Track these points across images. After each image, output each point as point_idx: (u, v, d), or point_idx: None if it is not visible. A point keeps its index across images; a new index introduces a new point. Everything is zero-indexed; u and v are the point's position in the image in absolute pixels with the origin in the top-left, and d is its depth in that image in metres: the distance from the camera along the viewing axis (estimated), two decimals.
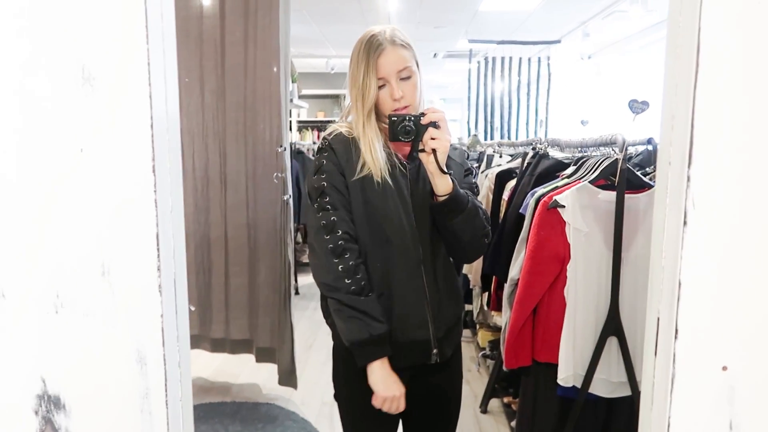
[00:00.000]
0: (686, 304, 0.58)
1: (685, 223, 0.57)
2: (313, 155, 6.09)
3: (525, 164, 2.48)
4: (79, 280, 0.61)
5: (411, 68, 1.33)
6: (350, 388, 1.45)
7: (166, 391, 0.63)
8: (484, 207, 1.44)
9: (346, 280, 1.28)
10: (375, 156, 1.32)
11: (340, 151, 1.33)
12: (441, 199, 1.32)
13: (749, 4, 0.54)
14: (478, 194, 1.49)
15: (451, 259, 1.47)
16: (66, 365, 0.62)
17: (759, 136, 0.55)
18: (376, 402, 1.32)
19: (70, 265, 0.61)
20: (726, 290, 0.58)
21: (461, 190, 1.35)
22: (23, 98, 0.58)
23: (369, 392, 1.33)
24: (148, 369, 0.62)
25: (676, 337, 0.59)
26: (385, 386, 1.30)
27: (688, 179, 0.56)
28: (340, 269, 1.29)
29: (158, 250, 0.60)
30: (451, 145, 1.35)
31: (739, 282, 0.57)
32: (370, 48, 1.31)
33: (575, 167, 2.05)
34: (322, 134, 1.40)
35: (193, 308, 3.16)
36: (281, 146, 2.91)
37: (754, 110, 0.55)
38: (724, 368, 0.59)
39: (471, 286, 3.29)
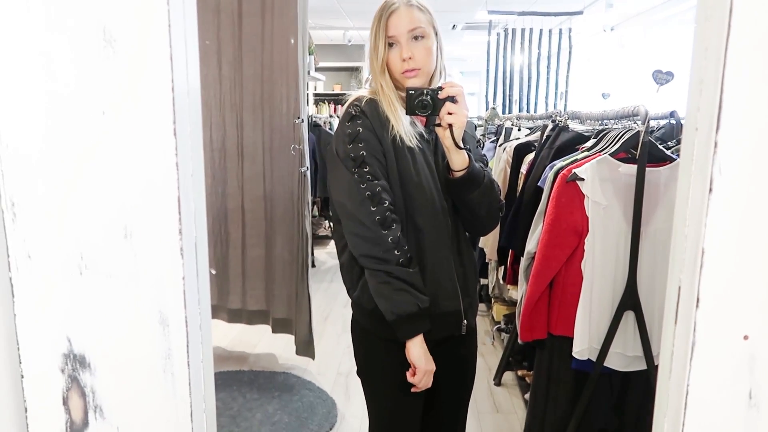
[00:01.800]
0: (708, 272, 0.58)
1: (710, 190, 0.56)
2: (330, 129, 6.07)
3: (544, 137, 2.45)
4: (103, 242, 0.62)
5: (424, 29, 1.30)
6: (375, 363, 1.44)
7: (188, 352, 0.64)
8: (495, 179, 1.42)
9: (396, 252, 1.25)
10: (398, 117, 1.29)
11: (374, 116, 1.30)
12: (458, 174, 1.30)
13: None
14: (487, 165, 1.45)
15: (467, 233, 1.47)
16: (90, 326, 0.64)
17: None
18: (416, 377, 1.30)
19: (94, 228, 0.62)
20: (749, 259, 0.57)
21: (476, 165, 1.33)
22: (48, 61, 0.58)
23: (394, 367, 1.34)
24: (171, 330, 0.63)
25: (697, 306, 0.58)
26: (426, 360, 1.29)
27: (716, 145, 0.55)
28: (389, 241, 1.25)
29: (180, 213, 0.60)
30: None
31: (764, 251, 0.57)
32: (384, 8, 1.30)
33: (595, 140, 2.02)
34: (348, 100, 1.36)
35: (214, 272, 3.21)
36: (299, 118, 2.90)
37: None
38: (746, 337, 0.59)
39: (487, 260, 3.29)
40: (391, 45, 1.30)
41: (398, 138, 1.29)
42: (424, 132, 1.35)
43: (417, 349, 1.29)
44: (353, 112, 1.31)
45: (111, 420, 0.66)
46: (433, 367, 1.31)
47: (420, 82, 1.33)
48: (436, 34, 1.34)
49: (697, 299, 0.58)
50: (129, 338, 0.64)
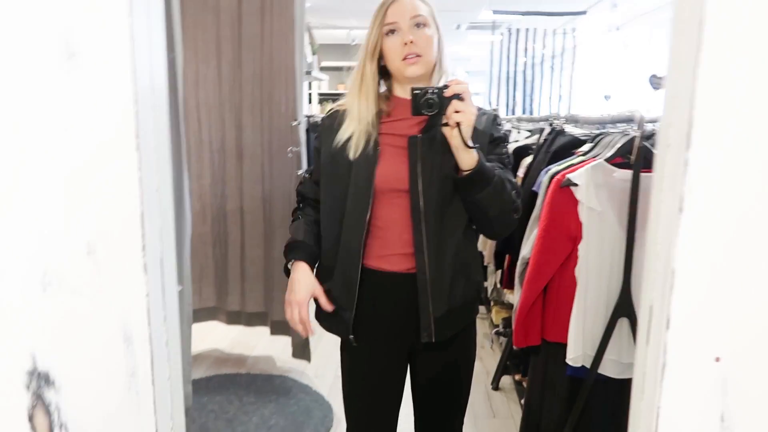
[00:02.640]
0: (679, 293, 0.56)
1: (681, 209, 0.55)
2: None
3: (541, 140, 2.44)
4: (66, 258, 0.61)
5: (426, 18, 1.30)
6: (343, 365, 1.52)
7: (152, 370, 0.63)
8: (516, 183, 1.37)
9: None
10: (362, 117, 1.33)
11: (326, 129, 1.42)
12: (466, 173, 1.26)
13: None
14: (510, 164, 1.41)
15: (478, 235, 1.48)
16: (55, 343, 0.63)
17: (762, 121, 0.52)
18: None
19: (57, 244, 0.61)
20: (721, 280, 0.56)
21: (487, 164, 1.28)
22: (14, 76, 0.57)
23: (347, 364, 1.48)
24: (135, 348, 0.62)
25: (668, 327, 0.57)
26: (289, 290, 1.39)
27: (686, 163, 0.54)
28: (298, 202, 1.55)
29: (143, 229, 0.60)
30: (480, 111, 1.34)
31: (735, 272, 0.55)
32: (385, 0, 1.31)
33: (592, 144, 2.00)
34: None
35: (181, 287, 3.18)
36: (296, 120, 2.89)
37: (758, 93, 0.52)
38: (717, 359, 0.57)
39: (485, 264, 3.28)
40: (390, 33, 1.30)
41: (355, 144, 1.33)
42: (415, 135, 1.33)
43: (292, 275, 1.39)
44: (322, 120, 1.46)
45: None
46: (296, 297, 1.37)
47: (420, 72, 1.32)
48: (437, 29, 1.34)
49: (668, 320, 0.57)
50: (93, 356, 0.63)
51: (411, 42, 1.28)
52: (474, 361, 1.54)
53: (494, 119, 1.41)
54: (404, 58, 1.30)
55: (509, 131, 3.33)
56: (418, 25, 1.29)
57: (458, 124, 1.22)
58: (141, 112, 0.58)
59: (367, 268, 1.36)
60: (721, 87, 0.52)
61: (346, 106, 1.39)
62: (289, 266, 1.41)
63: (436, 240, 1.33)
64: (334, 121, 1.39)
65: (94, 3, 0.57)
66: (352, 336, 1.39)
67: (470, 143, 1.24)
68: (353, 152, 1.34)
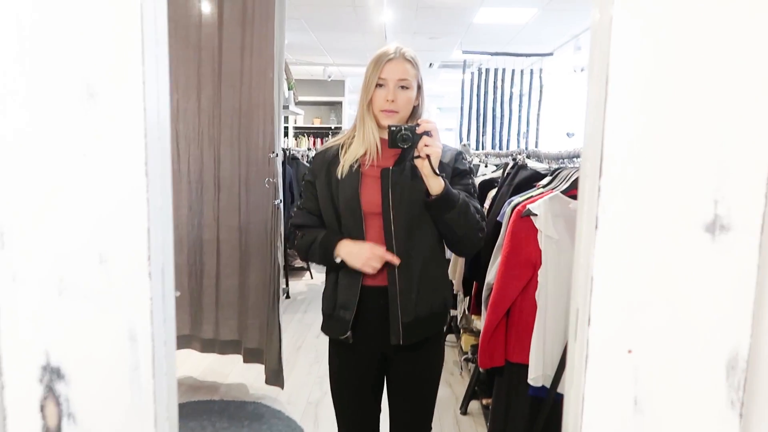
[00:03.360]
0: (597, 296, 0.68)
1: (596, 227, 0.67)
2: (308, 161, 6.23)
3: (505, 174, 2.59)
4: (80, 267, 0.71)
5: (410, 82, 1.55)
6: (329, 364, 1.73)
7: (153, 365, 0.72)
8: (480, 208, 1.59)
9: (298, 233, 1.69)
10: (373, 141, 1.56)
11: (318, 163, 1.65)
12: (434, 197, 1.48)
13: (654, 39, 0.65)
14: (475, 194, 1.62)
15: (441, 260, 1.65)
16: (67, 341, 0.72)
17: (654, 156, 0.66)
18: (365, 266, 1.52)
19: (72, 254, 0.71)
20: (630, 285, 0.68)
21: (453, 190, 1.50)
22: (33, 110, 0.68)
23: (336, 363, 1.69)
24: (139, 345, 0.72)
25: (589, 324, 0.69)
26: (355, 255, 1.53)
27: (599, 189, 0.67)
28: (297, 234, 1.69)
29: (149, 241, 0.70)
30: (444, 147, 1.57)
31: (641, 278, 0.68)
32: (382, 55, 1.55)
33: (551, 178, 2.15)
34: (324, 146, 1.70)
35: (179, 293, 3.25)
36: (273, 152, 3.00)
37: (652, 134, 0.66)
38: (630, 351, 0.69)
39: (455, 292, 3.39)
40: (380, 85, 1.54)
41: (344, 167, 1.56)
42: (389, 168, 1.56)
43: (343, 251, 1.54)
44: (313, 159, 1.70)
45: (82, 426, 0.74)
46: (370, 252, 1.51)
47: (394, 122, 1.54)
48: (419, 87, 1.58)
49: (589, 319, 0.69)
50: (101, 352, 0.72)
51: (392, 101, 1.52)
52: (441, 368, 1.71)
53: (458, 154, 1.64)
54: (383, 110, 1.54)
55: (478, 165, 3.49)
56: (402, 87, 1.53)
57: (428, 156, 1.44)
58: (149, 144, 0.69)
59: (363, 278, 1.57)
60: (621, 131, 0.66)
61: (345, 139, 1.63)
62: (336, 259, 1.56)
63: (405, 257, 1.54)
64: (330, 154, 1.62)
65: (110, 52, 0.68)
66: (349, 333, 1.58)
67: (438, 171, 1.46)
68: (345, 173, 1.57)
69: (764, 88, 0.64)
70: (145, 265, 0.70)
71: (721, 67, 0.64)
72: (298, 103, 6.48)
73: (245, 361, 3.25)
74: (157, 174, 0.71)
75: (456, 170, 1.59)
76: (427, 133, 1.46)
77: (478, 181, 3.05)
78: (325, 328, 1.68)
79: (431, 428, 1.82)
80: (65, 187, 0.69)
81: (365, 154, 1.57)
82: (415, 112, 1.60)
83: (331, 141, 1.68)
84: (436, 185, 1.47)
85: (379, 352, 1.64)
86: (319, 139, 9.64)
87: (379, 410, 1.76)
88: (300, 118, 9.15)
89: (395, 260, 1.52)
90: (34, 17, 0.67)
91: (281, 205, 3.05)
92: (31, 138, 0.68)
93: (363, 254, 1.52)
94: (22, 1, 0.67)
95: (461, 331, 3.66)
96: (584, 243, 0.70)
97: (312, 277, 6.29)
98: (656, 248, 0.67)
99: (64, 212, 0.70)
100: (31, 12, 0.67)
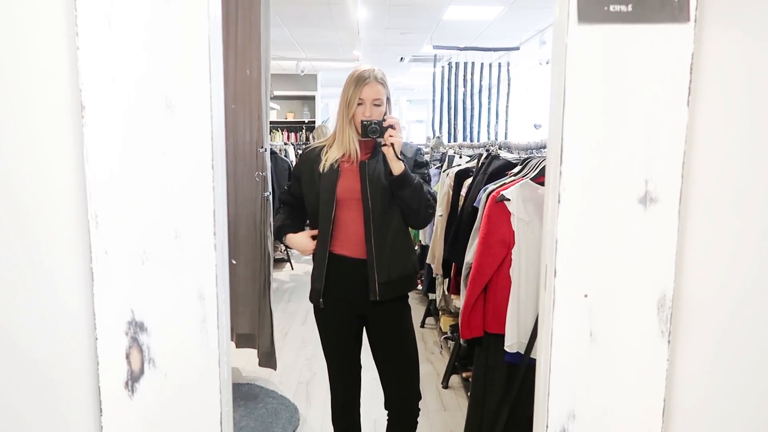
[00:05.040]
0: (561, 253, 0.90)
1: (559, 201, 0.89)
2: (285, 155, 6.36)
3: (479, 164, 2.82)
4: (159, 240, 0.90)
5: (382, 100, 1.94)
6: (318, 326, 2.07)
7: (217, 317, 0.92)
8: (433, 192, 2.00)
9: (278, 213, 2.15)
10: (352, 146, 1.94)
11: (305, 160, 2.05)
12: (395, 176, 1.88)
13: (599, 61, 0.87)
14: (429, 181, 2.04)
15: (407, 233, 2.00)
16: (148, 300, 0.91)
17: (600, 148, 0.88)
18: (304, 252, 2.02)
19: (153, 231, 0.90)
20: (584, 244, 0.90)
21: (411, 174, 1.91)
22: (127, 118, 0.87)
23: (320, 326, 2.04)
24: (206, 303, 0.91)
25: (555, 276, 0.91)
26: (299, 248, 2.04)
27: (560, 173, 0.89)
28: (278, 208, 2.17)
29: (214, 219, 0.89)
30: (406, 143, 2.01)
31: (592, 239, 0.90)
32: (360, 78, 1.93)
33: (521, 167, 2.38)
34: (309, 146, 2.10)
35: (234, 261, 3.42)
36: (262, 147, 3.17)
37: (597, 131, 0.88)
38: (586, 295, 0.91)
39: (434, 275, 3.62)
40: (359, 104, 1.93)
41: (325, 165, 1.94)
42: (364, 160, 1.94)
43: (289, 242, 2.04)
44: (300, 156, 2.11)
45: (161, 368, 0.93)
46: (304, 248, 2.02)
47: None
48: (388, 99, 1.98)
49: (555, 271, 0.91)
50: (176, 309, 0.92)
51: (369, 116, 1.91)
52: (411, 321, 2.05)
53: (417, 150, 2.08)
54: (360, 121, 1.92)
55: (453, 156, 3.72)
56: (376, 104, 1.93)
57: (392, 144, 1.86)
58: (215, 144, 0.89)
59: (333, 254, 1.96)
60: (576, 127, 0.88)
61: (327, 143, 2.02)
62: (284, 241, 2.05)
63: (379, 232, 1.92)
64: (316, 155, 2.00)
65: (184, 72, 0.87)
66: (321, 300, 1.98)
67: (399, 157, 1.88)
68: (326, 169, 1.94)
69: (675, 104, 0.87)
70: (211, 239, 0.90)
71: (645, 86, 0.87)
72: (272, 98, 6.62)
73: (238, 346, 3.42)
74: (219, 167, 0.91)
75: (416, 162, 2.03)
76: (391, 127, 1.88)
77: (454, 170, 3.27)
78: (310, 297, 2.07)
79: (420, 394, 2.06)
80: (148, 178, 0.88)
81: (343, 155, 1.95)
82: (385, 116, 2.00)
83: (314, 143, 2.10)
84: (397, 167, 1.88)
85: (356, 313, 2.01)
86: (293, 134, 9.76)
87: (360, 365, 2.11)
88: (273, 113, 9.26)
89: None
90: (126, 50, 0.85)
91: (270, 197, 3.22)
92: (124, 139, 0.87)
93: (303, 249, 2.02)
94: (125, 40, 0.85)
95: (440, 313, 3.90)
96: (550, 214, 0.92)
97: (293, 268, 6.46)
98: (603, 216, 0.90)
99: (146, 198, 0.89)
100: (125, 46, 0.85)
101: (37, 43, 0.89)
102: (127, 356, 0.93)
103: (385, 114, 1.97)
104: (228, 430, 0.96)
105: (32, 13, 0.89)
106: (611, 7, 0.84)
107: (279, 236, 2.09)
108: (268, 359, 3.26)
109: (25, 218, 0.92)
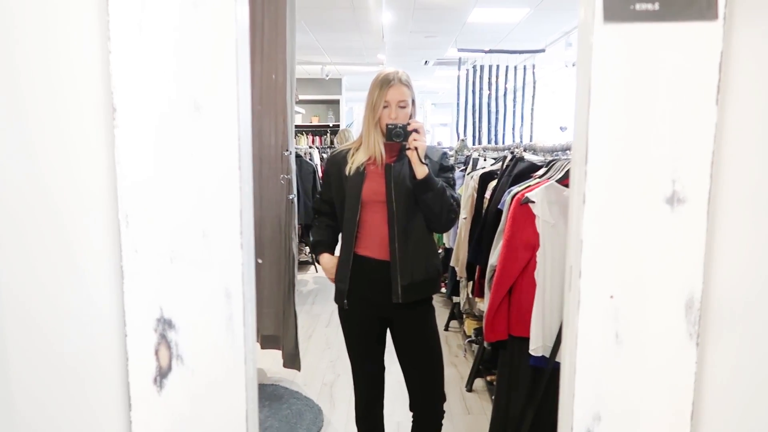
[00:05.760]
0: (586, 255, 0.90)
1: (584, 201, 0.89)
2: (309, 159, 6.43)
3: (504, 166, 2.80)
4: (188, 240, 0.91)
5: (407, 102, 1.95)
6: (343, 328, 2.10)
7: (243, 315, 0.93)
8: (457, 196, 2.01)
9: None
10: (378, 149, 1.95)
11: (333, 162, 2.08)
12: (419, 180, 1.89)
13: (625, 60, 0.86)
14: (454, 186, 2.03)
15: (431, 236, 2.01)
16: (177, 298, 0.93)
17: (626, 148, 0.87)
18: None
19: (181, 230, 0.91)
20: (610, 245, 0.89)
21: (434, 178, 1.92)
22: (157, 120, 0.89)
23: (345, 329, 2.07)
24: (232, 301, 0.93)
25: (580, 276, 0.90)
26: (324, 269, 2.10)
27: (586, 173, 0.88)
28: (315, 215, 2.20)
29: (241, 219, 0.91)
30: (432, 147, 2.02)
31: (618, 240, 0.89)
32: (385, 81, 1.94)
33: (546, 169, 2.37)
34: (335, 150, 2.14)
35: (260, 261, 3.47)
36: (287, 150, 3.21)
37: (624, 132, 0.87)
38: (611, 297, 0.91)
39: (458, 278, 3.61)
40: (385, 107, 1.94)
41: (351, 168, 1.97)
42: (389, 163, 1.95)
43: (321, 261, 2.10)
44: (328, 160, 2.15)
45: (188, 365, 0.95)
46: (328, 275, 2.08)
47: None
48: (413, 101, 2.00)
49: (580, 272, 0.90)
50: (203, 306, 0.93)
51: (395, 118, 1.93)
52: (436, 327, 2.05)
53: (443, 155, 2.08)
54: (386, 124, 1.93)
55: (477, 159, 3.70)
56: (401, 106, 1.94)
57: (416, 148, 1.87)
58: (241, 145, 0.90)
59: (357, 255, 1.97)
60: (601, 126, 0.87)
61: (353, 146, 2.04)
62: (318, 258, 2.11)
63: (403, 235, 1.93)
64: (343, 158, 2.03)
65: (212, 75, 0.89)
66: (345, 301, 1.99)
67: (423, 160, 1.88)
68: (352, 172, 1.95)
69: (704, 103, 0.85)
70: (237, 239, 0.91)
71: (672, 86, 0.86)
72: (297, 103, 6.68)
73: (263, 347, 3.45)
74: (246, 167, 0.92)
75: (441, 166, 2.02)
76: (415, 131, 1.89)
77: (478, 173, 3.26)
78: (335, 298, 2.10)
79: (445, 396, 2.05)
80: (177, 178, 0.90)
81: (369, 158, 1.96)
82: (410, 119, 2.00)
83: (340, 147, 2.13)
84: (420, 171, 1.89)
85: (378, 315, 2.02)
86: (317, 137, 9.83)
87: (383, 366, 2.13)
88: (299, 117, 9.34)
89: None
90: (155, 53, 0.87)
91: (295, 200, 3.25)
92: (153, 141, 0.89)
93: (327, 275, 2.10)
94: (154, 44, 0.87)
95: (464, 316, 3.88)
96: (575, 214, 0.91)
97: (317, 271, 6.50)
98: (629, 216, 0.89)
99: (175, 198, 0.91)
100: (155, 49, 0.87)
101: (70, 47, 0.92)
102: (156, 352, 0.95)
103: (410, 116, 1.97)
104: (253, 427, 0.97)
105: (65, 18, 0.91)
106: (637, 6, 0.84)
107: (314, 250, 2.15)
108: (292, 360, 3.28)
109: (58, 218, 0.95)
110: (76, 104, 0.93)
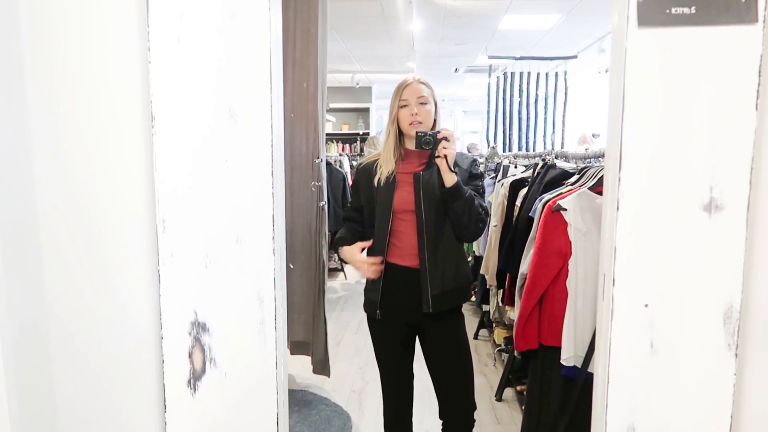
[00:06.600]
0: (620, 262, 0.88)
1: (618, 208, 0.88)
2: (339, 166, 6.48)
3: (535, 174, 2.78)
4: (222, 245, 0.93)
5: (427, 98, 1.92)
6: (372, 337, 2.09)
7: (275, 320, 0.95)
8: (486, 204, 1.97)
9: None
10: (388, 161, 1.95)
11: (362, 173, 2.06)
12: (448, 188, 1.87)
13: (660, 65, 0.85)
14: (483, 194, 2.01)
15: (460, 244, 1.99)
16: (211, 302, 0.95)
17: (661, 153, 0.86)
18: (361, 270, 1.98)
19: (215, 236, 0.93)
20: (645, 253, 0.88)
21: (463, 187, 1.88)
22: (194, 127, 0.91)
23: (375, 339, 2.05)
24: (265, 305, 0.94)
25: (614, 284, 0.89)
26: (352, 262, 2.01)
27: (619, 180, 0.87)
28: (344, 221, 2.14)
29: (273, 225, 0.92)
30: (461, 154, 1.97)
31: (654, 247, 0.88)
32: (400, 85, 1.95)
33: (578, 176, 2.34)
34: (364, 161, 2.09)
35: (292, 266, 3.51)
36: (318, 158, 3.23)
37: (660, 138, 0.86)
38: (646, 305, 0.89)
39: (488, 286, 3.58)
40: (404, 106, 1.92)
41: (380, 179, 1.95)
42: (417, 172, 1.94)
43: (343, 254, 2.01)
44: (357, 170, 2.13)
45: (221, 368, 0.96)
46: (355, 260, 1.97)
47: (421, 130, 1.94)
48: (436, 104, 1.96)
49: (613, 280, 0.89)
50: (237, 310, 0.95)
51: (416, 114, 1.90)
52: (466, 335, 2.03)
53: (473, 162, 2.04)
54: (410, 123, 1.91)
55: (507, 166, 3.68)
56: (421, 102, 1.91)
57: (445, 156, 1.84)
58: (274, 152, 0.92)
59: (389, 263, 1.95)
60: (635, 132, 0.86)
61: (379, 156, 2.02)
62: (339, 253, 2.05)
63: (432, 244, 1.91)
64: (371, 168, 2.01)
65: (247, 84, 0.91)
66: (378, 311, 1.96)
67: (452, 169, 1.85)
68: (382, 182, 1.94)
69: (743, 109, 0.84)
70: (270, 244, 0.93)
71: (710, 90, 0.84)
72: (328, 111, 6.73)
73: (292, 353, 3.47)
74: (279, 174, 0.94)
75: (470, 173, 2.01)
76: (445, 139, 1.86)
77: (509, 180, 3.24)
78: (365, 307, 2.08)
79: (475, 404, 2.04)
80: (212, 184, 0.92)
81: (396, 166, 1.96)
82: (434, 125, 1.98)
83: (366, 158, 2.12)
84: (450, 179, 1.86)
85: (407, 323, 2.00)
86: (348, 145, 9.88)
87: (412, 375, 2.10)
88: (329, 124, 9.42)
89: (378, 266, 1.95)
90: (193, 63, 0.90)
91: (326, 206, 3.27)
92: (190, 148, 0.91)
93: (354, 262, 2.00)
94: (192, 54, 0.90)
95: (494, 325, 3.85)
96: (608, 221, 0.90)
97: (346, 278, 6.52)
98: (665, 224, 0.87)
99: (210, 204, 0.93)
100: (192, 59, 0.90)
101: (111, 58, 0.95)
102: (190, 355, 0.96)
103: (434, 121, 1.97)
104: (284, 429, 0.98)
105: (107, 29, 0.94)
106: (673, 10, 0.83)
107: (335, 247, 2.14)
108: (322, 367, 3.29)
109: (97, 223, 0.98)
110: (116, 113, 0.96)
